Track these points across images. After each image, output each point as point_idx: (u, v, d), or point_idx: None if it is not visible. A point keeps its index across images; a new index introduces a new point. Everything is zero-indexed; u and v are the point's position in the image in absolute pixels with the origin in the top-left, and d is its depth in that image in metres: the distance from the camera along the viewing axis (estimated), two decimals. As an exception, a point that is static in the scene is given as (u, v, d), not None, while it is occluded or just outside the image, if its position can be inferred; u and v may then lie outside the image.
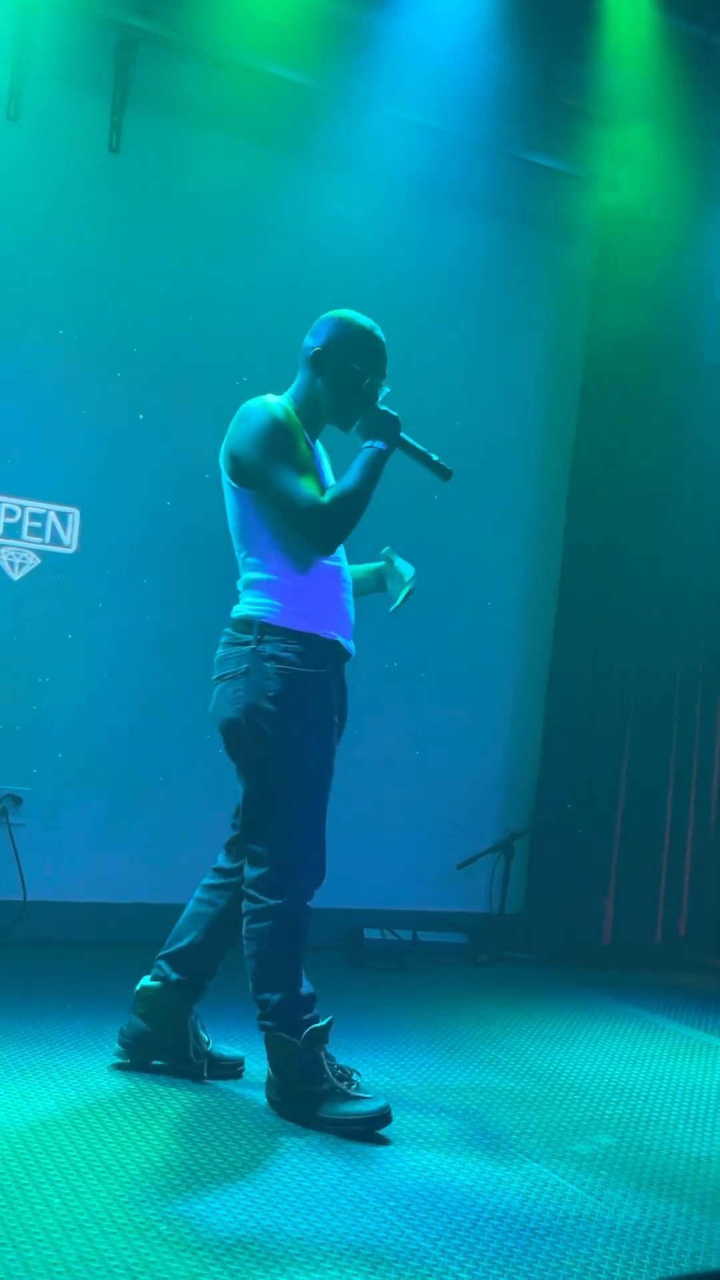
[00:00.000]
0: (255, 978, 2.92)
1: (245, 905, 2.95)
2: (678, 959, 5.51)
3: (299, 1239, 2.25)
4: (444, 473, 3.12)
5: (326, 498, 2.90)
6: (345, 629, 3.05)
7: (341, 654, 3.04)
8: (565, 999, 4.55)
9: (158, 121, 4.78)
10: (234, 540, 3.09)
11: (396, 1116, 2.89)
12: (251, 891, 2.93)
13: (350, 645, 3.06)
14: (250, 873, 2.95)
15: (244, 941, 2.95)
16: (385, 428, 2.99)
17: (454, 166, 5.17)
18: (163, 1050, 3.11)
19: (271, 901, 2.90)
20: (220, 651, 3.03)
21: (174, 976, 3.10)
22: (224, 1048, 3.20)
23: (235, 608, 3.06)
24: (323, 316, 3.07)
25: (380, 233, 5.03)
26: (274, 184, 4.96)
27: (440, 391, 5.20)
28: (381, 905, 5.13)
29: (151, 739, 4.80)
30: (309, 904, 2.95)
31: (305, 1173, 2.57)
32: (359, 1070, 2.99)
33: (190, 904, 3.17)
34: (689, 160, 5.27)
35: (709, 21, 5.22)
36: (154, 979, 3.12)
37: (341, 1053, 2.93)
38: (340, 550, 3.05)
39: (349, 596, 3.10)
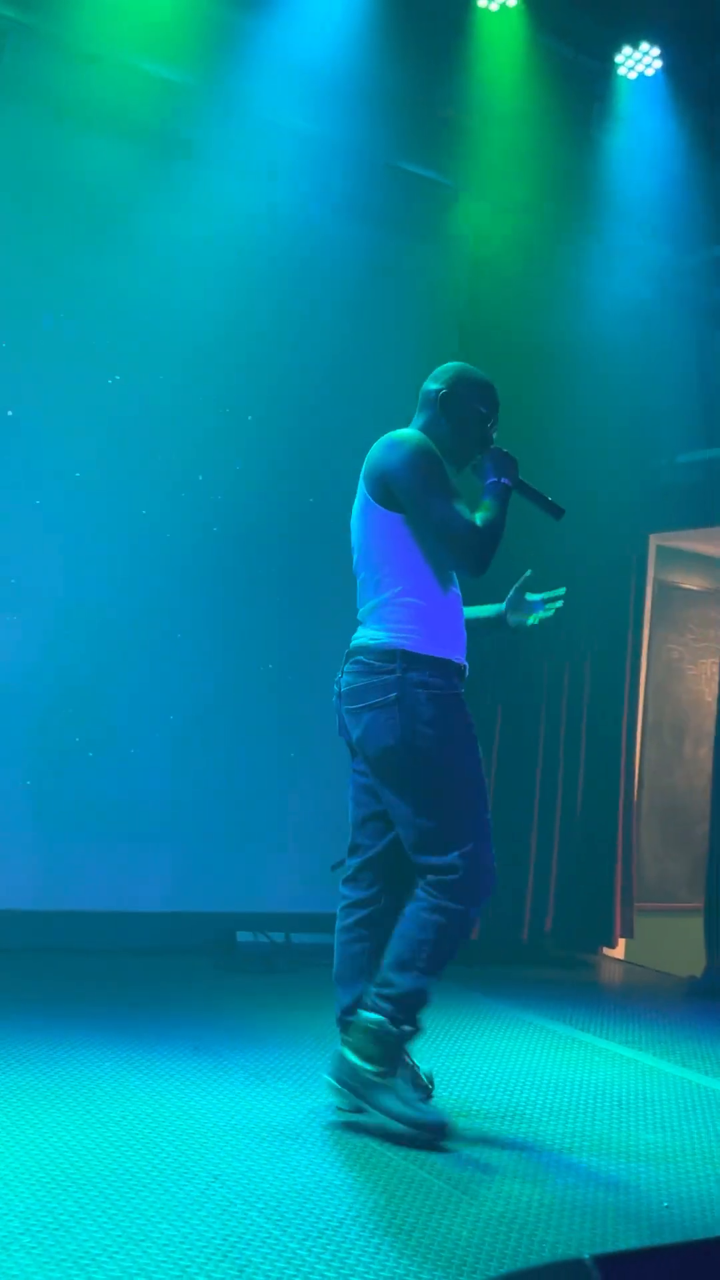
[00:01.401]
0: (399, 956, 2.95)
1: (430, 899, 2.96)
2: (544, 955, 5.64)
3: (165, 1245, 2.23)
4: (557, 511, 3.19)
5: (479, 522, 3.01)
6: (464, 653, 3.15)
7: (464, 676, 3.14)
8: (435, 996, 4.59)
9: (25, 113, 4.69)
10: (365, 561, 3.12)
11: (263, 1118, 2.89)
12: (444, 901, 2.95)
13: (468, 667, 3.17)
14: (438, 878, 2.96)
15: (406, 921, 2.97)
16: (507, 467, 3.14)
17: (328, 170, 5.19)
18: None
19: (457, 906, 2.95)
20: (358, 681, 3.04)
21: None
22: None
23: (365, 633, 3.08)
24: (444, 365, 3.24)
25: (252, 233, 5.03)
26: (144, 181, 4.90)
27: (309, 394, 5.22)
28: (254, 909, 5.12)
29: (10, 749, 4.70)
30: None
31: (172, 1178, 2.56)
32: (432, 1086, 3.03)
33: (339, 949, 3.15)
34: (555, 171, 5.41)
35: (576, 41, 5.38)
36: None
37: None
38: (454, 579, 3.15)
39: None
